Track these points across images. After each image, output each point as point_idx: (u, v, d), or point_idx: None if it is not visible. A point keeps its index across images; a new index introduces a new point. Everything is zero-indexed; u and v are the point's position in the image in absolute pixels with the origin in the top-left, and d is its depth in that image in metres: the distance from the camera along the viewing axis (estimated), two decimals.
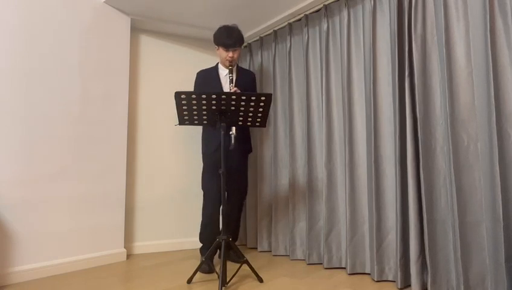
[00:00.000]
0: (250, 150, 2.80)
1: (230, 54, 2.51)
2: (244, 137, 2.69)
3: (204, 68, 2.72)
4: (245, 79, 2.68)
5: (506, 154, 1.73)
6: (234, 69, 2.59)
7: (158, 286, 2.17)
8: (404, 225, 2.10)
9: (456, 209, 1.85)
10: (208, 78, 2.66)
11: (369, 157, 2.32)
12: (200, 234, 2.66)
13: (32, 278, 2.29)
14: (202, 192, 2.63)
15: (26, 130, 2.36)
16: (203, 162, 2.68)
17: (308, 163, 2.68)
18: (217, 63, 2.71)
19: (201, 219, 2.64)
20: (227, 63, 2.54)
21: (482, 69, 1.83)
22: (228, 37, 2.50)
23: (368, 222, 2.33)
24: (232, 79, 2.48)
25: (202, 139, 2.71)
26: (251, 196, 3.21)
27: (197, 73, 2.71)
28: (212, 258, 2.46)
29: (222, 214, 2.21)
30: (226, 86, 2.60)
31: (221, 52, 2.56)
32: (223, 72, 2.64)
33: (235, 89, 2.45)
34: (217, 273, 2.22)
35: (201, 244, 2.68)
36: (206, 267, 2.36)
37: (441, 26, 1.99)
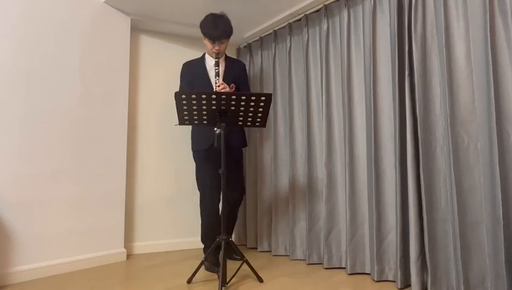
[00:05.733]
0: (244, 145, 2.73)
1: (217, 47, 2.39)
2: (238, 133, 2.61)
3: (190, 59, 2.64)
4: (234, 70, 2.59)
5: (506, 154, 1.73)
6: (222, 59, 2.50)
7: (158, 286, 2.17)
8: (404, 225, 2.11)
9: (456, 209, 1.85)
10: (194, 70, 2.57)
11: (369, 157, 2.32)
12: (202, 235, 2.61)
13: (32, 278, 2.29)
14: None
15: (26, 130, 2.36)
16: (195, 160, 2.62)
17: (308, 163, 2.68)
18: (204, 54, 2.62)
19: (201, 221, 2.58)
20: (214, 55, 2.44)
21: (482, 69, 1.82)
22: (214, 29, 2.35)
23: (368, 221, 2.33)
24: (218, 72, 2.36)
25: (192, 137, 2.61)
26: (251, 195, 3.21)
27: (183, 64, 2.61)
28: (217, 256, 2.43)
29: (222, 214, 2.20)
30: (214, 78, 2.49)
31: (207, 43, 2.43)
32: (210, 62, 2.53)
33: (222, 84, 2.35)
34: (217, 273, 2.22)
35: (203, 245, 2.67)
36: (209, 265, 2.36)
37: (441, 26, 1.99)
